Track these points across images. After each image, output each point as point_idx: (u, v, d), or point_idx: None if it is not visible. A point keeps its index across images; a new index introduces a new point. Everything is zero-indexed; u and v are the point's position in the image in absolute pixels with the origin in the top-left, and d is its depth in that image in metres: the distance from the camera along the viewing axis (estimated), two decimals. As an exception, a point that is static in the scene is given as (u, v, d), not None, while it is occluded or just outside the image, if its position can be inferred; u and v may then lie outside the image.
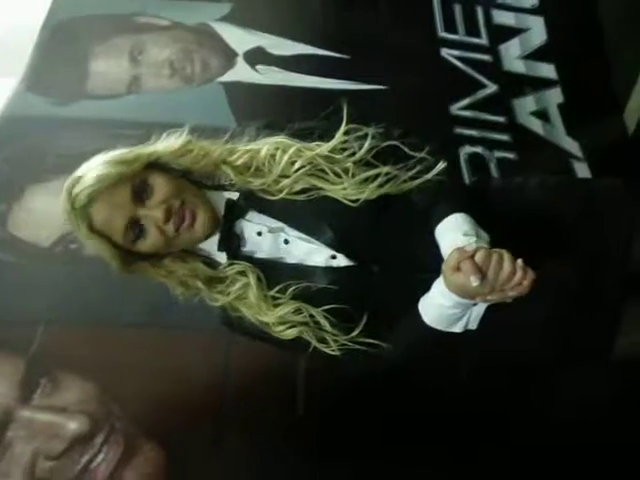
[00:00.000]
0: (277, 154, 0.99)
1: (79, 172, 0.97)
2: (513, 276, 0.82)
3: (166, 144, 1.00)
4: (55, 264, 1.78)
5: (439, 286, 0.89)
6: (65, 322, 1.69)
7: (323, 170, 0.98)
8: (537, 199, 1.06)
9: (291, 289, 0.98)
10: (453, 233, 0.91)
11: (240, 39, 2.16)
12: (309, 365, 1.54)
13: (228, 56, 2.13)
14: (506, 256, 0.82)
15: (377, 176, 0.97)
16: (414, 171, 0.98)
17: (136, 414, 1.55)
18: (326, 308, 0.97)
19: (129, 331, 1.68)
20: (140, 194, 0.96)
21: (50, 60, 2.14)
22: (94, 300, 1.69)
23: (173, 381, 1.59)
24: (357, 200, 0.96)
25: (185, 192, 0.98)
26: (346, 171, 0.98)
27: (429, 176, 0.97)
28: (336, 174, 0.98)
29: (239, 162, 1.00)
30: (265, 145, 1.00)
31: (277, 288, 0.98)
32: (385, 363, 1.00)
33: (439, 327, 0.91)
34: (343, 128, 0.99)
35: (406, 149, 0.99)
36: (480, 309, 0.91)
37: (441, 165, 0.98)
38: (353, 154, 0.99)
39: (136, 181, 0.96)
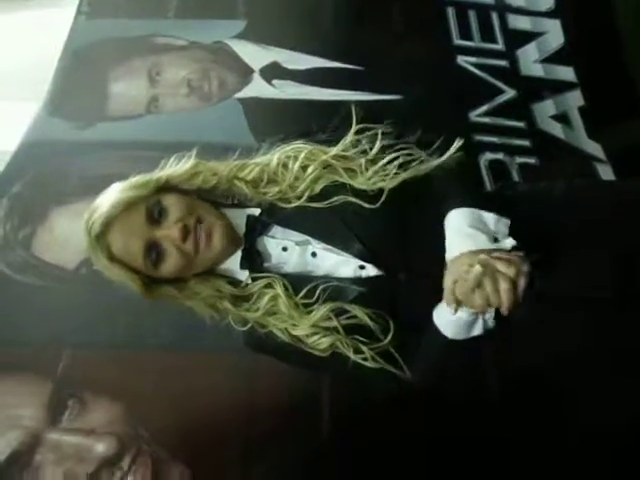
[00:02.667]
0: (289, 162, 0.99)
1: (95, 203, 0.98)
2: (509, 293, 0.81)
3: (175, 168, 1.01)
4: (80, 286, 1.79)
5: None
6: (91, 344, 1.69)
7: (338, 170, 0.98)
8: (564, 203, 1.04)
9: (320, 288, 0.96)
10: (451, 234, 0.90)
11: (256, 55, 2.17)
12: (334, 387, 1.51)
13: (244, 72, 2.14)
14: (502, 277, 0.81)
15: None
16: (431, 150, 0.97)
17: (162, 436, 1.53)
18: (363, 312, 0.95)
19: (154, 353, 1.67)
20: (155, 216, 0.97)
21: (71, 85, 2.16)
22: (119, 322, 1.69)
23: (198, 403, 1.58)
24: (380, 193, 0.95)
25: (200, 209, 0.99)
26: (360, 167, 0.98)
27: (447, 155, 0.97)
28: (351, 170, 0.98)
29: (251, 176, 1.00)
30: (276, 155, 1.00)
31: (306, 289, 0.97)
32: (414, 384, 0.97)
33: (460, 336, 0.90)
34: (354, 127, 1.00)
35: (419, 151, 0.98)
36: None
37: (458, 142, 0.97)
38: (366, 153, 0.99)
39: (150, 204, 0.97)
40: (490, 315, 0.87)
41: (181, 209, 0.97)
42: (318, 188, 0.99)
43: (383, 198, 0.95)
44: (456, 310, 0.85)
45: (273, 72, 2.14)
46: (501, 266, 0.82)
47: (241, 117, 2.03)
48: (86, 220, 0.97)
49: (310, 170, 0.98)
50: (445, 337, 0.91)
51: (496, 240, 0.87)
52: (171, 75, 2.13)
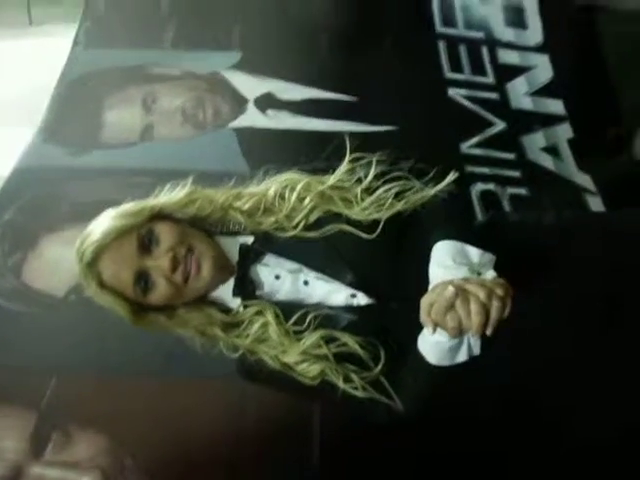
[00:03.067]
0: (286, 192, 1.00)
1: (88, 228, 0.98)
2: (478, 315, 0.81)
3: (169, 195, 1.01)
4: (69, 313, 1.77)
5: None
6: (78, 373, 1.67)
7: (334, 200, 0.99)
8: (554, 234, 1.05)
9: (311, 316, 0.96)
10: (435, 266, 0.91)
11: (250, 86, 2.21)
12: (324, 413, 1.50)
13: (239, 102, 2.18)
14: (472, 298, 0.81)
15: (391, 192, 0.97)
16: (427, 178, 0.98)
17: (150, 466, 1.51)
18: (353, 340, 0.95)
19: (143, 381, 1.66)
20: (146, 244, 0.97)
21: (66, 112, 2.19)
22: (108, 349, 1.68)
23: (187, 431, 1.56)
24: (374, 222, 0.96)
25: (191, 238, 0.98)
26: (356, 197, 0.99)
27: (442, 185, 0.97)
28: (348, 201, 0.99)
29: (247, 206, 1.01)
30: (273, 185, 1.01)
31: (296, 316, 0.97)
32: (403, 413, 0.96)
33: (444, 362, 0.89)
34: (348, 156, 1.01)
35: (414, 179, 0.99)
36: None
37: (453, 175, 0.98)
38: (361, 181, 1.00)
39: (142, 232, 0.97)
40: (474, 340, 0.87)
41: (173, 238, 0.97)
42: (313, 218, 1.00)
43: (379, 229, 0.96)
44: (434, 330, 0.84)
45: (267, 102, 2.18)
46: (472, 287, 0.82)
47: (235, 146, 2.06)
48: (78, 247, 0.97)
49: (307, 201, 0.99)
50: (429, 364, 0.90)
51: (479, 274, 0.87)
52: (166, 103, 2.16)
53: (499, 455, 1.29)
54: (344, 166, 1.01)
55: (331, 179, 1.00)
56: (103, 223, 0.97)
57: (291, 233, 0.99)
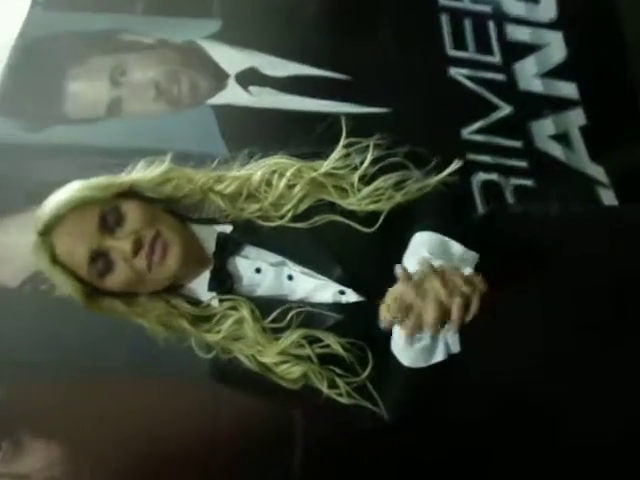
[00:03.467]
0: (273, 178, 1.02)
1: (49, 198, 0.99)
2: (434, 314, 0.84)
3: (144, 172, 1.02)
4: (23, 306, 1.79)
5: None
6: (32, 373, 1.69)
7: (327, 188, 1.01)
8: (560, 229, 1.09)
9: (292, 313, 0.98)
10: (411, 255, 0.94)
11: (231, 59, 2.20)
12: (308, 417, 1.54)
13: (218, 77, 2.17)
14: (430, 294, 0.84)
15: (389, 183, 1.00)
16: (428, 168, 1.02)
17: (111, 477, 1.54)
18: (337, 342, 0.97)
19: (104, 382, 1.68)
20: (109, 222, 0.97)
21: (23, 82, 2.17)
22: (65, 347, 1.70)
23: (154, 438, 1.59)
24: (371, 214, 0.99)
25: (161, 223, 0.99)
26: (352, 186, 1.01)
27: (444, 175, 1.01)
28: (342, 189, 1.01)
29: (229, 190, 1.02)
30: (259, 169, 1.03)
31: (275, 313, 0.99)
32: (388, 419, 1.00)
33: (421, 364, 0.93)
34: (343, 140, 1.03)
35: (413, 167, 1.02)
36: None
37: (457, 164, 1.02)
38: (356, 168, 1.02)
39: (106, 208, 0.98)
40: (452, 337, 0.91)
41: (140, 219, 0.98)
42: (302, 208, 1.02)
43: (380, 222, 0.98)
44: (387, 327, 0.87)
45: (250, 78, 2.17)
46: (430, 283, 0.85)
47: (213, 125, 2.07)
48: (35, 216, 0.98)
49: (297, 189, 1.01)
50: (404, 366, 0.94)
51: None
52: (137, 76, 2.15)
53: (489, 457, 1.34)
54: (338, 151, 1.03)
55: (325, 165, 1.02)
56: (65, 192, 0.98)
57: (276, 223, 1.01)
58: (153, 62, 2.18)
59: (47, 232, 0.97)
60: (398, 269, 0.89)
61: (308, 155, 1.05)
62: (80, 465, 1.57)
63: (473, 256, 0.93)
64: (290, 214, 1.01)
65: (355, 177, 1.01)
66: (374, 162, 1.03)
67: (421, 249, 0.93)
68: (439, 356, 0.92)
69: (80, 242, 0.97)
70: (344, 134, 1.03)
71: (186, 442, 1.59)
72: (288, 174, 1.01)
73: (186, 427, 1.61)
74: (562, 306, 1.02)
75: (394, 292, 0.88)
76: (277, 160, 1.04)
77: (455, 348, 0.92)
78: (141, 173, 1.02)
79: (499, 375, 1.03)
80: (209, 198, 1.03)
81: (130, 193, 1.01)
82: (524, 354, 1.02)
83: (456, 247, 0.94)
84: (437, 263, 0.89)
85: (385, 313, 0.87)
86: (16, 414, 1.62)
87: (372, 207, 1.00)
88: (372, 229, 0.98)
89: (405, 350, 0.93)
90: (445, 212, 1.03)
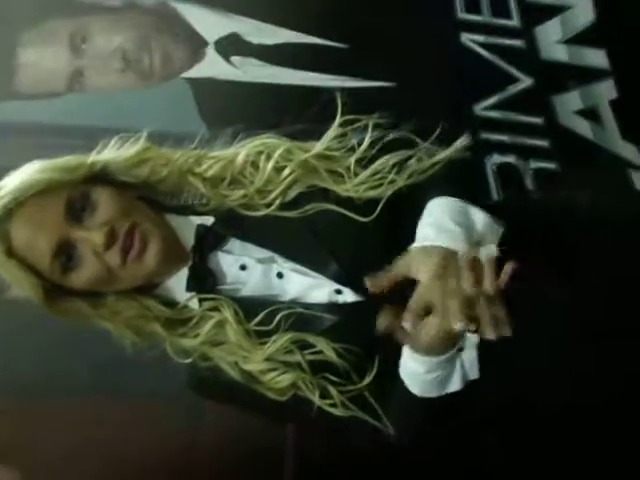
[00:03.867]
0: (260, 160, 1.02)
1: (4, 180, 0.98)
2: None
3: (117, 152, 1.02)
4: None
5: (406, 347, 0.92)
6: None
7: (320, 173, 1.02)
8: (588, 218, 1.09)
9: (280, 314, 0.99)
10: (426, 225, 0.93)
11: (210, 24, 2.19)
12: (301, 435, 1.55)
13: (195, 45, 2.17)
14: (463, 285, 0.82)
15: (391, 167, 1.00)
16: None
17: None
18: (329, 347, 0.98)
19: (68, 402, 1.69)
20: (77, 210, 0.97)
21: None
22: (24, 361, 1.70)
23: (125, 464, 1.61)
24: (368, 203, 0.98)
25: (137, 213, 1.00)
26: (348, 170, 1.01)
27: (450, 151, 1.01)
28: (337, 174, 1.01)
29: (210, 173, 1.03)
30: (244, 149, 1.03)
31: (262, 315, 0.99)
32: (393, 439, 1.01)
33: (432, 395, 0.94)
34: (338, 118, 1.03)
35: (417, 139, 1.02)
36: (470, 353, 0.93)
37: (464, 139, 1.01)
38: (353, 150, 1.02)
39: (74, 194, 0.97)
40: (470, 359, 0.91)
41: (114, 209, 0.98)
42: (292, 194, 1.02)
43: (378, 210, 0.98)
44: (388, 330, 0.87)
45: (232, 46, 2.17)
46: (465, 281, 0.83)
47: (190, 102, 2.08)
48: None
49: (286, 173, 1.01)
50: (413, 395, 0.94)
51: (477, 245, 0.89)
52: (101, 43, 2.14)
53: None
54: (334, 130, 1.03)
55: (318, 146, 1.02)
56: (25, 174, 0.97)
57: (262, 212, 1.02)
58: (119, 27, 2.18)
59: (2, 220, 0.96)
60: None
61: (299, 134, 1.06)
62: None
63: (497, 229, 0.92)
64: (278, 201, 1.02)
65: (352, 160, 1.02)
66: (373, 144, 1.03)
67: (441, 216, 0.92)
68: (455, 385, 0.93)
69: (43, 232, 0.96)
70: (339, 111, 1.03)
71: (164, 464, 1.60)
72: (276, 155, 1.01)
73: (163, 447, 1.62)
74: (589, 313, 1.02)
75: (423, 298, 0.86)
76: (264, 140, 1.04)
77: (474, 373, 0.92)
78: (114, 152, 1.02)
79: (515, 395, 1.03)
80: (188, 182, 1.03)
81: (101, 177, 1.01)
82: (544, 370, 1.02)
83: (479, 215, 0.93)
84: (461, 246, 0.88)
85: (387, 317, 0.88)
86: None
87: (371, 193, 1.00)
88: (370, 218, 0.98)
89: (415, 379, 0.93)
90: (460, 184, 1.01)
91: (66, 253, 0.97)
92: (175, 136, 1.09)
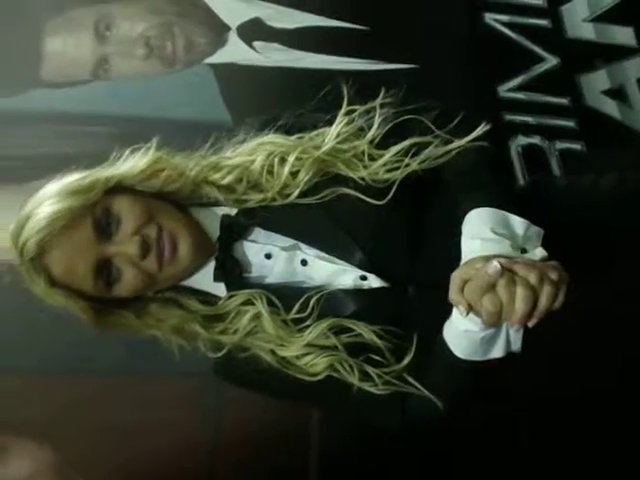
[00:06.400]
0: (274, 165, 1.03)
1: (25, 211, 0.99)
2: (525, 300, 0.82)
3: (129, 164, 1.03)
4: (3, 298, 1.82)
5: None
6: (14, 371, 1.73)
7: (334, 163, 1.03)
8: (614, 202, 1.11)
9: (313, 300, 1.00)
10: (469, 238, 0.93)
11: (233, 9, 2.20)
12: (325, 421, 1.56)
13: (218, 31, 2.18)
14: (519, 280, 0.82)
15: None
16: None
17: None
18: (369, 330, 0.99)
19: (96, 380, 1.72)
20: (104, 227, 0.99)
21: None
22: (52, 342, 1.73)
23: (150, 443, 1.64)
24: (386, 186, 1.00)
25: (161, 214, 1.01)
26: (362, 154, 1.03)
27: (471, 137, 1.01)
28: (351, 162, 1.03)
29: (226, 181, 1.04)
30: (258, 155, 1.04)
31: (298, 305, 1.01)
32: (424, 416, 1.03)
33: (475, 357, 0.94)
34: (344, 108, 1.04)
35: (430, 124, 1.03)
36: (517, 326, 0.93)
37: (484, 126, 1.02)
38: (363, 131, 1.03)
39: (97, 212, 0.99)
40: (515, 332, 0.91)
41: (137, 216, 0.99)
42: (309, 186, 1.03)
43: (392, 193, 1.00)
44: (467, 312, 0.87)
45: (255, 31, 2.17)
46: (521, 270, 0.83)
47: (213, 87, 2.08)
48: (15, 235, 0.98)
49: (302, 176, 1.02)
50: (456, 357, 0.94)
51: (524, 251, 0.90)
52: (124, 30, 2.15)
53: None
54: (339, 122, 1.04)
55: (328, 143, 1.03)
56: (46, 205, 0.97)
57: (282, 202, 1.03)
58: (142, 14, 2.18)
59: (39, 256, 0.98)
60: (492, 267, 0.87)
61: (313, 111, 1.07)
62: (70, 472, 1.61)
63: (538, 231, 0.92)
64: (296, 192, 1.03)
65: (364, 143, 1.03)
66: (386, 122, 1.04)
67: (482, 229, 0.92)
68: (498, 352, 0.92)
69: (80, 257, 0.98)
70: (346, 101, 1.04)
71: (186, 449, 1.62)
72: (291, 160, 1.02)
73: (183, 429, 1.65)
74: (617, 304, 1.03)
75: (467, 271, 0.87)
76: (273, 139, 1.05)
77: (517, 345, 0.92)
78: (125, 165, 1.03)
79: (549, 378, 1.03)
80: (203, 189, 1.05)
81: (116, 187, 1.02)
82: (582, 358, 1.02)
83: (517, 221, 0.92)
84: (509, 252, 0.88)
85: (457, 296, 0.87)
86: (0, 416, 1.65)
87: (387, 176, 1.01)
88: (385, 200, 0.99)
89: (463, 339, 0.93)
90: (492, 181, 1.02)
91: (105, 270, 0.99)
92: (197, 122, 1.09)
